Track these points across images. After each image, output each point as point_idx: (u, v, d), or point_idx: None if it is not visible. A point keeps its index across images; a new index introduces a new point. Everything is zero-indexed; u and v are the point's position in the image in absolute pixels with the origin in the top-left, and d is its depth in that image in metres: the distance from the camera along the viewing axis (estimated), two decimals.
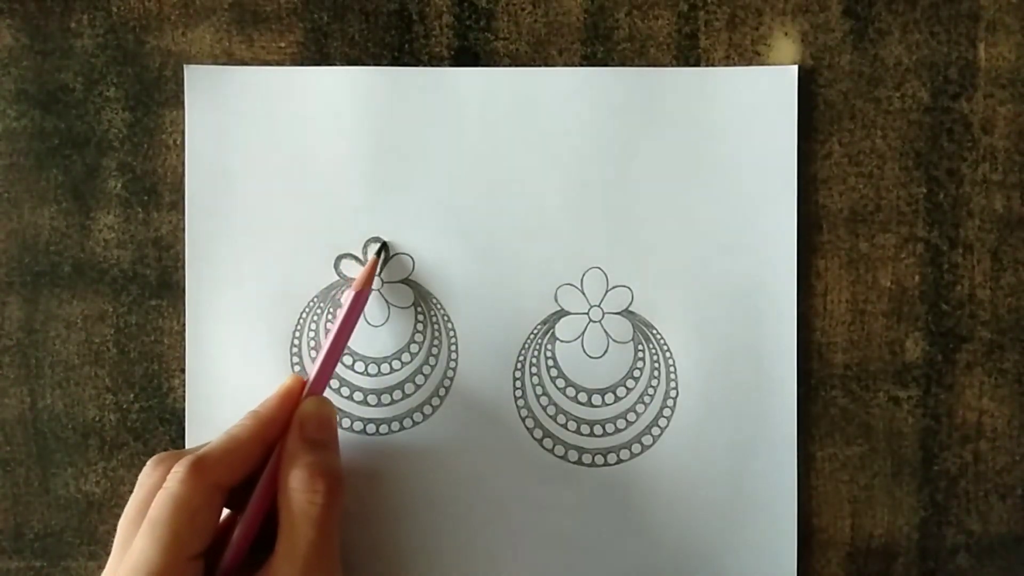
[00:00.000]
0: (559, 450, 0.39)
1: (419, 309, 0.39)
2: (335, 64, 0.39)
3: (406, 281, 0.39)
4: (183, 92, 0.39)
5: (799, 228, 0.38)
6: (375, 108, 0.39)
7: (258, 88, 0.39)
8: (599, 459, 0.39)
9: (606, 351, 0.39)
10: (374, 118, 0.39)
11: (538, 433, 0.39)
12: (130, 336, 0.39)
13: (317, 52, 0.39)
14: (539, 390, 0.39)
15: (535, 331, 0.39)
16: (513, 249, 0.39)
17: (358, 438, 0.39)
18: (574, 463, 0.39)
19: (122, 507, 0.40)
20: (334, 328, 0.36)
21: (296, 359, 0.39)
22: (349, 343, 0.38)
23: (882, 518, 0.38)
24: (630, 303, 0.39)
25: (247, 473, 0.33)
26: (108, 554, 0.40)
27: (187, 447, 0.39)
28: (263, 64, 0.39)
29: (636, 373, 0.39)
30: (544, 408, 0.39)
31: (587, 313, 0.39)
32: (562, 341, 0.39)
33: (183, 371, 0.39)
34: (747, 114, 0.38)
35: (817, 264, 0.38)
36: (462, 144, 0.39)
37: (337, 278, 0.39)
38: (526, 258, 0.39)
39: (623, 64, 0.39)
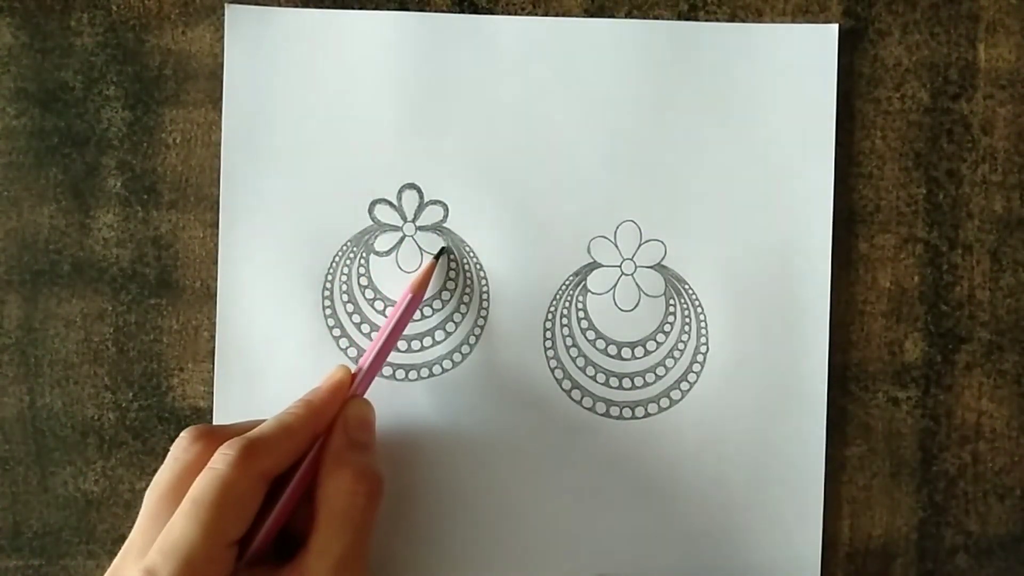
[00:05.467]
0: (587, 402, 0.38)
1: (451, 257, 0.39)
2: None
3: (439, 228, 0.39)
4: (183, 91, 0.39)
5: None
6: (414, 54, 0.38)
7: (298, 30, 0.38)
8: (627, 412, 0.38)
9: (637, 304, 0.38)
10: (413, 64, 0.38)
11: (567, 384, 0.38)
12: (129, 335, 0.39)
13: None
14: (569, 341, 0.38)
15: (567, 282, 0.38)
16: (547, 200, 0.38)
17: (387, 383, 0.39)
18: (601, 415, 0.38)
19: (121, 506, 0.40)
20: (385, 329, 0.36)
21: (328, 303, 0.38)
22: (382, 289, 0.38)
23: (881, 519, 0.38)
24: (663, 257, 0.38)
25: (293, 463, 0.33)
26: (107, 553, 0.40)
27: (215, 393, 0.39)
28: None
29: (667, 327, 0.38)
30: (574, 360, 0.38)
31: (619, 266, 0.38)
32: (594, 293, 0.38)
33: (182, 369, 0.39)
34: (785, 72, 0.38)
35: None
36: (499, 93, 0.38)
37: (371, 223, 0.39)
38: (560, 209, 0.38)
39: None
